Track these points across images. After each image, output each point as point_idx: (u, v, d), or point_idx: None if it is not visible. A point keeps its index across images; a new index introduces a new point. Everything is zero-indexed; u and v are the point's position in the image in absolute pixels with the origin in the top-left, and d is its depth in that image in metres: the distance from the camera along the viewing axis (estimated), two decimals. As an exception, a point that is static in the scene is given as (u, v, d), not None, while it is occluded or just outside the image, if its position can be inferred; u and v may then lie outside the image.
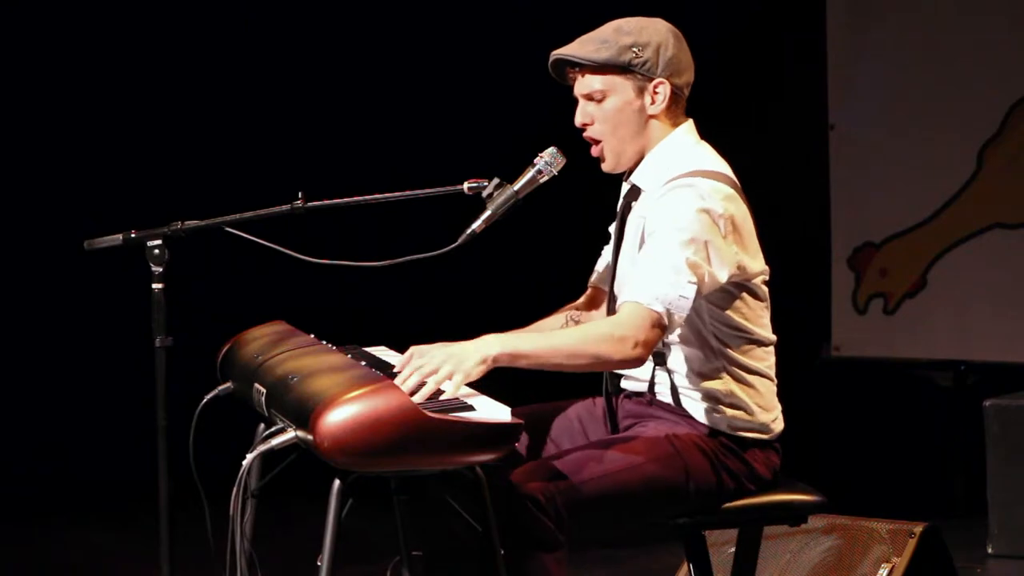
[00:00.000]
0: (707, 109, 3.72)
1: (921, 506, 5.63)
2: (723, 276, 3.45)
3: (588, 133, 3.61)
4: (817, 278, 6.66)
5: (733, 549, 3.74)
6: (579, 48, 3.56)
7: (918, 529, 4.43)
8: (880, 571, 4.41)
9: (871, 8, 6.61)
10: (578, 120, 3.60)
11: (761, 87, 7.04)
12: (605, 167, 3.63)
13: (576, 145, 3.64)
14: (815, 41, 6.70)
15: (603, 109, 3.57)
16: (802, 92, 6.92)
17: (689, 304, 3.37)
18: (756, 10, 7.14)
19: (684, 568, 4.10)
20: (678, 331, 3.51)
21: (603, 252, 3.84)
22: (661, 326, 3.35)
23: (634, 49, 3.53)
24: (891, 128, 6.58)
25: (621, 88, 3.56)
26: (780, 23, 7.09)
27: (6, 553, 5.94)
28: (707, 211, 3.43)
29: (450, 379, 3.20)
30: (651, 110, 3.57)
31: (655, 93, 3.56)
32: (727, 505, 3.58)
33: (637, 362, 3.38)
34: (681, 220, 3.41)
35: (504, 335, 3.36)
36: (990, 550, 5.53)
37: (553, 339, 3.37)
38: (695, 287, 3.37)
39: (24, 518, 6.46)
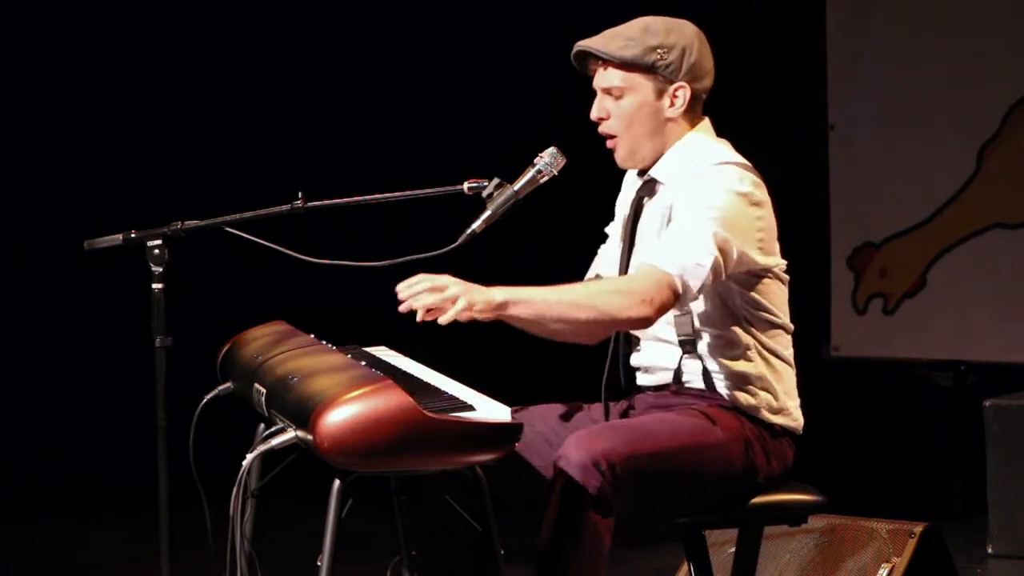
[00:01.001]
0: (706, 109, 3.72)
1: (921, 506, 5.63)
2: (749, 252, 3.44)
3: (603, 128, 3.61)
4: (817, 278, 6.66)
5: (733, 549, 3.74)
6: (605, 43, 3.56)
7: (918, 529, 4.43)
8: (880, 571, 4.41)
9: (871, 8, 6.61)
10: (594, 114, 3.61)
11: (761, 87, 7.04)
12: (618, 159, 3.63)
13: (576, 145, 3.64)
14: (815, 41, 6.70)
15: (620, 106, 3.57)
16: (802, 92, 6.92)
17: (704, 273, 3.35)
18: (756, 10, 7.14)
19: (684, 568, 4.09)
20: (710, 313, 3.49)
21: (600, 252, 3.83)
22: (673, 290, 3.33)
23: (659, 51, 3.53)
24: (891, 128, 6.58)
25: (641, 88, 3.56)
26: (780, 23, 7.09)
27: (6, 553, 5.94)
28: (739, 194, 3.44)
29: (453, 303, 3.19)
30: (669, 113, 3.57)
31: (675, 96, 3.57)
32: (728, 505, 3.58)
33: (644, 322, 3.35)
34: (713, 199, 3.42)
35: (509, 288, 3.33)
36: (990, 550, 5.53)
37: (558, 291, 3.34)
38: (713, 258, 3.36)
39: (24, 518, 6.46)
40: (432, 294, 3.21)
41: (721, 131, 3.74)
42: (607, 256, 3.80)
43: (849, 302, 6.66)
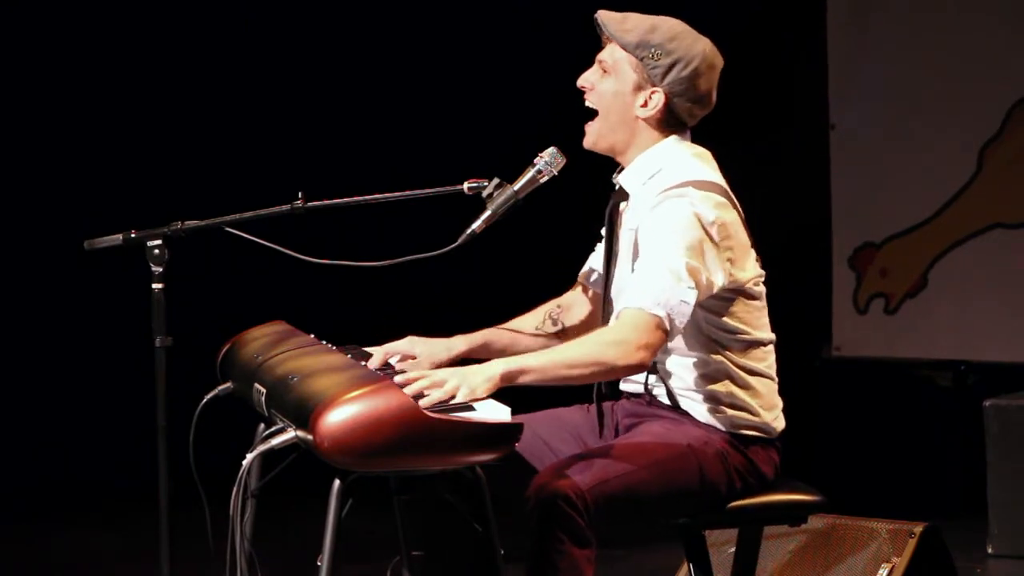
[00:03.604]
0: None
1: (921, 506, 5.62)
2: (719, 281, 3.46)
3: (585, 97, 3.61)
4: (817, 278, 6.67)
5: (733, 549, 3.74)
6: (617, 21, 3.57)
7: (918, 529, 4.43)
8: (880, 571, 4.41)
9: (871, 8, 6.62)
10: (580, 80, 3.61)
11: (761, 87, 7.04)
12: (584, 142, 3.63)
13: (576, 145, 3.64)
14: (815, 41, 6.70)
15: (602, 84, 3.58)
16: (802, 92, 6.92)
17: (690, 309, 3.38)
18: (756, 10, 7.14)
19: (684, 568, 4.09)
20: (677, 337, 3.51)
21: (596, 248, 3.84)
22: (663, 330, 3.36)
23: (653, 49, 3.53)
24: (891, 128, 6.58)
25: (624, 75, 3.56)
26: (780, 23, 7.09)
27: (6, 553, 5.94)
28: (700, 218, 3.43)
29: (455, 394, 3.20)
30: (639, 112, 3.56)
31: (649, 98, 3.56)
32: (728, 505, 3.58)
33: (640, 367, 3.39)
34: (678, 227, 3.42)
35: (508, 357, 3.36)
36: (990, 550, 5.54)
37: (555, 352, 3.38)
38: (695, 293, 3.38)
39: (24, 518, 6.46)
40: (435, 389, 3.21)
41: (722, 133, 3.73)
42: (597, 258, 3.81)
43: (850, 302, 6.67)
